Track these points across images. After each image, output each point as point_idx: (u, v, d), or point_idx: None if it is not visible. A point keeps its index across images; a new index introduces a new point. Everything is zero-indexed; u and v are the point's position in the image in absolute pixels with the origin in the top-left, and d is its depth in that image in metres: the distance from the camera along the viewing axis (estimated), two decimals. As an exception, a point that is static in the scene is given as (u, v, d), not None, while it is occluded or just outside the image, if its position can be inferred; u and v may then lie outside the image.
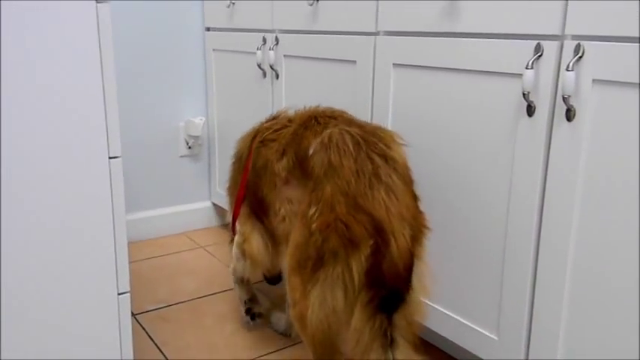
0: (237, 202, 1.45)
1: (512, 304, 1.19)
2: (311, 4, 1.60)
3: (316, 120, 1.22)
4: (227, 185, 1.59)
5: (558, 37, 1.04)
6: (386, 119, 1.43)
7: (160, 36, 2.16)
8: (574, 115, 1.02)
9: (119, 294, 1.13)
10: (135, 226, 2.21)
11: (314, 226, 1.04)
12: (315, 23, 1.63)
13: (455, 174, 1.29)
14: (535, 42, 1.06)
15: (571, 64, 1.00)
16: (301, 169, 1.17)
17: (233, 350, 1.51)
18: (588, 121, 1.01)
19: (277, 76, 1.83)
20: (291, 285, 1.14)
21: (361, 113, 1.50)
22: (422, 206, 1.14)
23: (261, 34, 1.87)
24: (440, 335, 1.40)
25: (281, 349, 1.51)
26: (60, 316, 1.08)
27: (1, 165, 0.98)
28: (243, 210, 1.44)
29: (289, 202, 1.21)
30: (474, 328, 1.29)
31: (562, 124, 1.05)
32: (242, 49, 2.01)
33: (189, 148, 2.30)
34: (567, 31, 1.02)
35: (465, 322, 1.32)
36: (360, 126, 1.16)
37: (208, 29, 2.23)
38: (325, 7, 1.58)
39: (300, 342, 1.42)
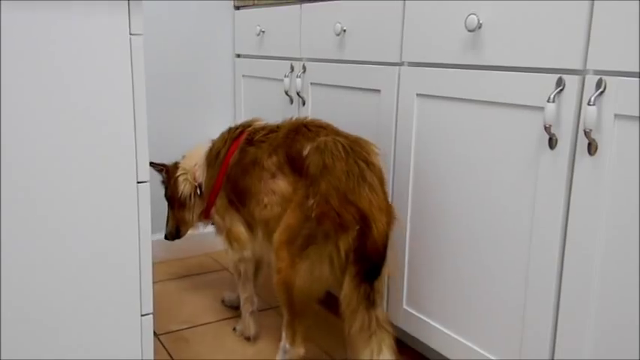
0: (213, 192, 1.67)
1: (534, 337, 1.18)
2: (338, 35, 1.64)
3: (307, 127, 1.45)
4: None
5: (580, 72, 1.05)
6: (409, 147, 1.45)
7: (191, 62, 2.23)
8: (596, 149, 1.02)
9: (142, 315, 1.16)
10: (160, 246, 2.25)
11: (313, 214, 1.30)
12: (341, 53, 1.66)
13: (476, 205, 1.29)
14: (557, 76, 1.07)
15: (593, 99, 1.00)
16: (292, 166, 1.41)
17: (253, 374, 1.52)
18: (610, 155, 1.01)
19: (304, 103, 1.86)
20: (278, 256, 1.38)
21: (385, 141, 1.51)
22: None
23: (289, 62, 1.91)
24: (460, 366, 1.39)
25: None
26: (83, 335, 1.11)
27: (33, 188, 1.02)
28: (221, 202, 1.64)
29: (273, 194, 1.44)
30: (494, 361, 1.28)
31: (584, 158, 1.05)
32: (270, 76, 2.05)
33: (217, 171, 2.34)
34: (589, 66, 1.03)
35: (486, 354, 1.30)
36: (346, 136, 1.40)
37: (238, 56, 2.29)
38: (351, 37, 1.61)
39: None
